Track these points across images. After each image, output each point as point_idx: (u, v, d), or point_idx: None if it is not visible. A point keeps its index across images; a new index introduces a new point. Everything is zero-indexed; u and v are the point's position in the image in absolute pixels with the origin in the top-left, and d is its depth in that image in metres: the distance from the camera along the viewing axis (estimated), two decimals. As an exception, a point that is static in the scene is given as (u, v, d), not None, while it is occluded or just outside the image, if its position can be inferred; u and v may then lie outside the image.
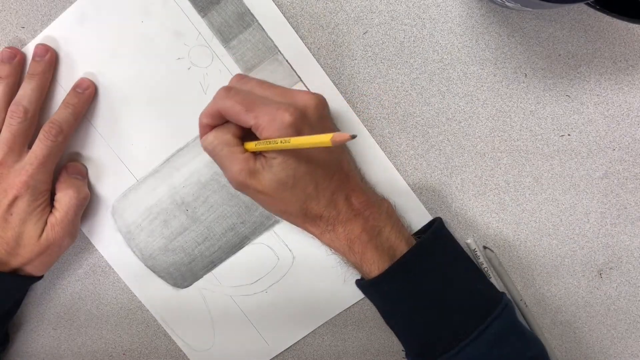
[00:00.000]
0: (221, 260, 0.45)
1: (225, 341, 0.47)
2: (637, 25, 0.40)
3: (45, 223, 0.42)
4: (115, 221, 0.45)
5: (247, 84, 0.39)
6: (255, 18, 0.41)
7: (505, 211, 0.43)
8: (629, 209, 0.43)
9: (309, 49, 0.42)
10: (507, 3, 0.36)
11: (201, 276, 0.46)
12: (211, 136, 0.38)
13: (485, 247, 0.44)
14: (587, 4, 0.35)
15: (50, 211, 0.42)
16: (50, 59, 0.42)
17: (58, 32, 0.43)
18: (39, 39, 0.43)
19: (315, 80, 0.42)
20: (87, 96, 0.43)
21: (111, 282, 0.47)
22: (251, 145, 0.37)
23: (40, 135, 0.41)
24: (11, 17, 0.43)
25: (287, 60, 0.42)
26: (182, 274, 0.46)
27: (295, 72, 0.42)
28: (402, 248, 0.39)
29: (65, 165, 0.44)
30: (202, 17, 0.42)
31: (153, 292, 0.46)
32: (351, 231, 0.38)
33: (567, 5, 0.33)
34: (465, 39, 0.41)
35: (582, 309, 0.45)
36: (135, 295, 0.47)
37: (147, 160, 0.44)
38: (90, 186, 0.45)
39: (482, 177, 0.43)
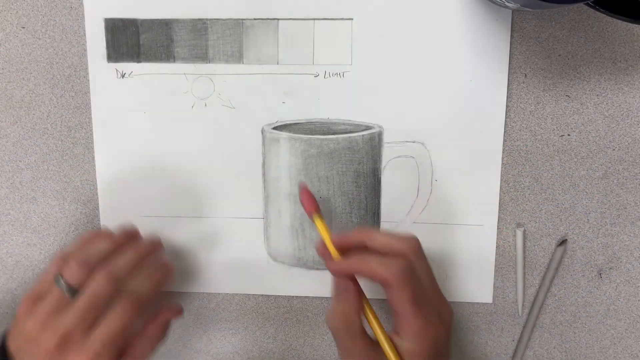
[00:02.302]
0: (377, 206, 0.44)
1: None
2: (637, 25, 0.40)
3: None
4: (285, 262, 0.45)
5: (422, 263, 0.36)
6: (205, 20, 0.42)
7: (505, 211, 0.43)
8: (629, 209, 0.43)
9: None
10: (507, 3, 0.36)
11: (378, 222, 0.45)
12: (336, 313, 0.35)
13: (485, 247, 0.44)
14: (587, 4, 0.35)
15: None
16: (171, 270, 0.40)
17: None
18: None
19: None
20: (172, 274, 0.40)
21: (111, 282, 0.47)
22: (382, 341, 0.35)
23: (118, 308, 0.35)
24: (11, 17, 0.43)
25: (253, 19, 0.42)
26: None
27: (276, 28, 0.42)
28: None
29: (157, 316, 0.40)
30: (173, 62, 0.43)
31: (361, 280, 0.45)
32: None
33: (567, 5, 0.33)
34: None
35: (582, 309, 0.45)
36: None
37: (253, 199, 0.44)
38: (240, 250, 0.45)
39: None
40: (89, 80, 0.43)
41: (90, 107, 0.44)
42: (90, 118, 0.44)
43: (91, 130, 0.44)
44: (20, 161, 0.45)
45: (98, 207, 0.45)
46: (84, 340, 0.35)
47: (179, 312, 0.41)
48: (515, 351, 0.46)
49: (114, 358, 0.36)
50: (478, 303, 0.45)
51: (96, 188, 0.45)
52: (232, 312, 0.47)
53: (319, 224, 0.39)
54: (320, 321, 0.46)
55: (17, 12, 0.43)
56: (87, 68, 0.43)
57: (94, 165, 0.45)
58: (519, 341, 0.45)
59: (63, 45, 0.43)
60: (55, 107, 0.44)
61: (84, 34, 0.43)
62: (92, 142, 0.44)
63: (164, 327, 0.39)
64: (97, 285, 0.36)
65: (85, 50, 0.43)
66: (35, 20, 0.43)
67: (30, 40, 0.43)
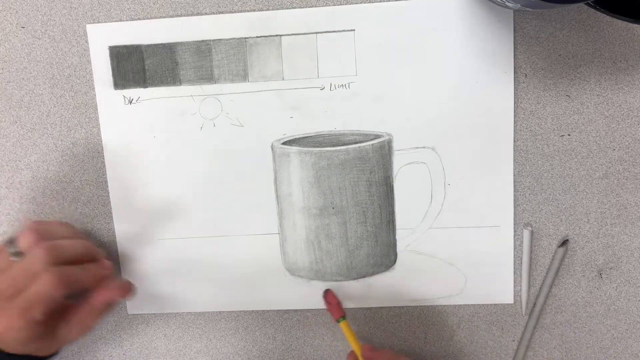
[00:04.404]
0: (391, 214, 0.44)
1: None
2: (637, 25, 0.40)
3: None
4: (303, 276, 0.45)
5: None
6: (208, 41, 0.42)
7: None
8: (629, 209, 0.43)
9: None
10: (507, 3, 0.36)
11: (394, 242, 0.44)
12: None
13: (485, 247, 0.44)
14: (587, 4, 0.35)
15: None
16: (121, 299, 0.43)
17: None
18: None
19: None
20: (116, 295, 0.41)
21: (111, 282, 0.47)
22: None
23: (41, 280, 0.37)
24: (11, 17, 0.43)
25: (256, 37, 0.42)
26: (382, 255, 0.44)
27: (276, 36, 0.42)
28: None
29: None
30: (179, 85, 0.43)
31: (380, 288, 0.45)
32: None
33: (567, 5, 0.33)
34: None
35: (582, 309, 0.45)
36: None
37: (267, 215, 0.44)
38: (257, 267, 0.45)
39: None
40: (97, 106, 0.44)
41: (100, 133, 0.44)
42: (100, 144, 0.44)
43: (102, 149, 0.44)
44: (20, 161, 0.45)
45: (98, 207, 0.45)
46: (9, 302, 0.37)
47: (127, 291, 0.42)
48: (516, 351, 0.46)
49: (32, 324, 0.37)
50: (478, 304, 0.45)
51: (96, 188, 0.45)
52: (232, 312, 0.47)
53: (346, 329, 0.42)
54: (320, 321, 0.46)
55: (17, 12, 0.43)
56: (95, 96, 0.44)
57: (94, 165, 0.45)
58: (520, 341, 0.45)
59: (63, 45, 0.43)
60: (55, 106, 0.44)
61: (90, 62, 0.43)
62: (104, 167, 0.44)
63: (108, 304, 0.41)
64: (33, 255, 0.37)
65: (92, 78, 0.44)
66: (35, 20, 0.43)
67: (30, 40, 0.43)
